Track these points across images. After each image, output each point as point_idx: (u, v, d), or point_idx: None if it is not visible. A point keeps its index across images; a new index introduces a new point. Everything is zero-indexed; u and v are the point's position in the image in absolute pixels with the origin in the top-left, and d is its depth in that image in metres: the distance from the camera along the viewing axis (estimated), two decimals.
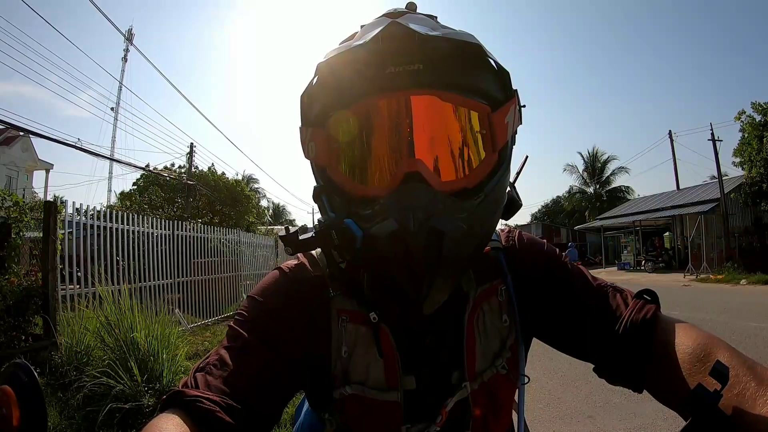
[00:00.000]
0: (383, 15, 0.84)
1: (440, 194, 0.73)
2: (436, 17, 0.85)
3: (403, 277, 0.74)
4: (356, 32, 0.84)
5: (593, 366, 0.88)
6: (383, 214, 0.73)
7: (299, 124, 0.88)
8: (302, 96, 0.86)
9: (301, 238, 0.80)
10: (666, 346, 0.76)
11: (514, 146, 0.86)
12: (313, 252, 0.95)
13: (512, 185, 0.90)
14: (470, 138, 0.79)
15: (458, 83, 0.77)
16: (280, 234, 0.83)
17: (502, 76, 0.81)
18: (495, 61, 0.80)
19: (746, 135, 22.14)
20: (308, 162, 0.88)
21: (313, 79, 0.82)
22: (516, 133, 0.85)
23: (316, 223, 0.84)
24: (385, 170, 0.77)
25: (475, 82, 0.78)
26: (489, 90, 0.80)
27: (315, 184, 0.87)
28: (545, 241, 1.02)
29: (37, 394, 0.66)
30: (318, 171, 0.86)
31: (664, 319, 0.80)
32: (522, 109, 0.86)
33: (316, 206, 0.87)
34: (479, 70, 0.79)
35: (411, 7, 0.88)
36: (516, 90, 0.83)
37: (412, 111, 0.75)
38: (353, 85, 0.77)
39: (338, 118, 0.79)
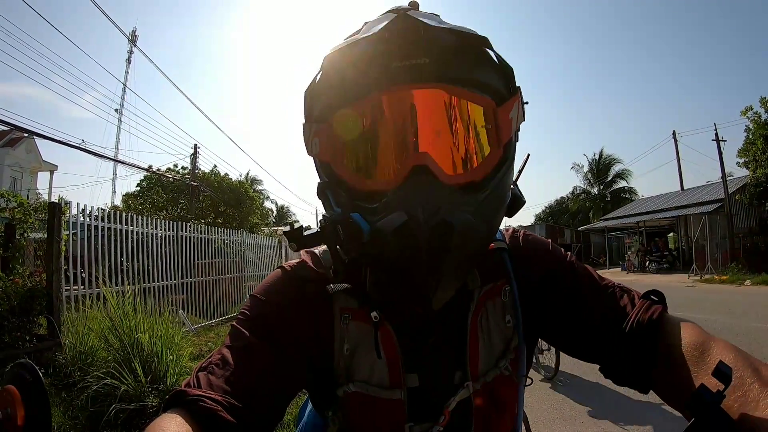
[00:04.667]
0: (387, 11, 0.84)
1: (448, 187, 0.74)
2: (438, 16, 0.85)
3: (412, 270, 0.74)
4: (360, 29, 0.84)
5: (599, 366, 0.87)
6: (391, 208, 0.72)
7: (302, 120, 0.88)
8: (306, 92, 0.85)
9: (305, 234, 0.80)
10: (672, 346, 0.75)
11: (517, 143, 0.86)
12: (316, 250, 0.95)
13: (514, 183, 0.90)
14: (476, 132, 0.79)
15: (464, 77, 0.77)
16: (284, 231, 0.83)
17: (506, 71, 0.81)
18: (499, 56, 0.80)
19: (751, 135, 22.03)
20: (311, 159, 0.88)
21: (317, 74, 0.82)
22: (519, 129, 0.85)
23: (320, 219, 0.84)
24: (391, 164, 0.77)
25: (480, 76, 0.78)
26: (494, 85, 0.80)
27: (318, 180, 0.87)
28: (550, 240, 1.02)
29: (42, 394, 0.66)
30: (322, 167, 0.86)
31: (670, 320, 0.80)
32: (525, 105, 0.86)
33: (320, 206, 0.87)
34: (485, 64, 0.79)
35: (413, 6, 0.87)
36: (519, 87, 0.83)
37: (418, 105, 0.75)
38: (359, 80, 0.77)
39: (344, 113, 0.79)
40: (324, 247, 0.94)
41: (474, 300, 0.91)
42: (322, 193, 0.84)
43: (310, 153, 0.87)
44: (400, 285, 0.80)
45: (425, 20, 0.74)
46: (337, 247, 0.82)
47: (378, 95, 0.76)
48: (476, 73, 0.78)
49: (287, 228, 0.83)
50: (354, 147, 0.80)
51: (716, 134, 24.84)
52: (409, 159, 0.74)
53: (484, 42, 0.76)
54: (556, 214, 51.45)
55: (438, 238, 0.71)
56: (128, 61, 40.04)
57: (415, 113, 0.76)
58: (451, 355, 0.89)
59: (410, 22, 0.73)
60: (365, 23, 0.84)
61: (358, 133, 0.79)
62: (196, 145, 20.89)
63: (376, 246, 0.74)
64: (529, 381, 0.97)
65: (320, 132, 0.82)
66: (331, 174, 0.83)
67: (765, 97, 21.40)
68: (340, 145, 0.81)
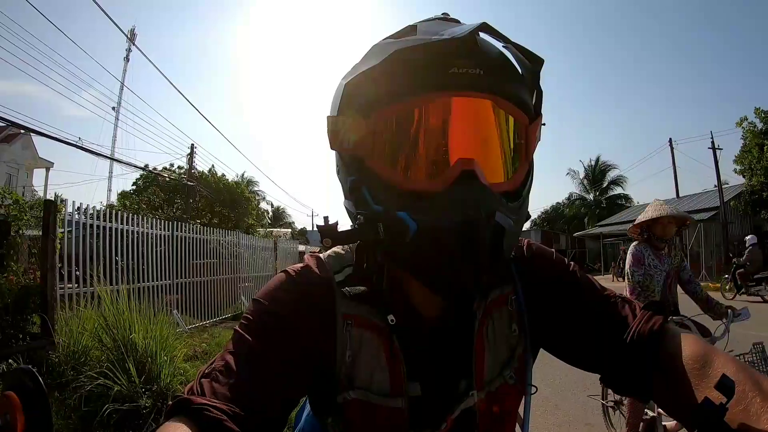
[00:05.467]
0: (436, 18, 0.89)
1: (496, 193, 0.76)
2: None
3: (461, 269, 0.74)
4: (410, 27, 0.86)
5: (600, 376, 0.88)
6: (445, 208, 0.74)
7: (328, 113, 0.87)
8: (346, 84, 0.83)
9: (340, 230, 0.79)
10: (673, 357, 0.76)
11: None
12: (322, 255, 0.95)
13: None
14: (513, 145, 0.82)
15: (510, 92, 0.79)
16: (317, 224, 0.81)
17: (539, 94, 0.85)
18: (538, 79, 0.82)
19: (747, 143, 22.23)
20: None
21: (362, 66, 0.82)
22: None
23: (357, 215, 0.82)
24: (440, 166, 0.78)
25: (521, 93, 0.81)
26: (529, 103, 0.83)
27: (341, 174, 0.88)
28: (554, 250, 1.02)
29: (43, 401, 0.65)
30: (353, 162, 0.84)
31: (671, 331, 0.81)
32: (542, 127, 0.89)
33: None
34: (525, 83, 0.83)
35: (445, 15, 0.91)
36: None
37: (469, 112, 0.78)
38: (416, 80, 0.77)
39: (395, 109, 0.79)
40: (329, 251, 0.94)
41: (481, 308, 0.91)
42: (356, 189, 0.83)
43: (336, 147, 0.86)
44: (444, 284, 0.79)
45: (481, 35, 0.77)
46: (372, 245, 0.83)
47: (433, 96, 0.77)
48: (519, 90, 0.81)
49: (288, 231, 0.82)
50: (401, 145, 0.80)
51: (712, 142, 25.04)
52: (458, 163, 0.75)
53: (539, 63, 0.80)
54: (551, 220, 51.60)
55: (491, 240, 0.74)
56: (126, 59, 39.99)
57: (467, 119, 0.78)
58: (456, 363, 0.89)
59: (477, 37, 0.75)
60: (412, 26, 0.86)
61: (409, 131, 0.79)
62: (192, 144, 20.88)
63: (425, 245, 0.75)
64: (534, 389, 0.97)
65: (359, 126, 0.81)
66: (366, 170, 0.82)
67: (759, 108, 21.60)
68: (382, 142, 0.80)
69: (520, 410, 1.00)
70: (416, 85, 0.77)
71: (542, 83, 0.83)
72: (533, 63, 0.80)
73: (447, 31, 0.75)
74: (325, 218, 0.80)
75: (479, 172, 0.75)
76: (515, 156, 0.83)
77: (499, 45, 0.81)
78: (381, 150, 0.80)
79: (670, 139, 32.15)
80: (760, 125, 21.69)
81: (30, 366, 0.68)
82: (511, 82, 0.80)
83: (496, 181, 0.78)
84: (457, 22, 0.87)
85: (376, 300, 0.87)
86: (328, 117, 0.86)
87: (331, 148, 0.87)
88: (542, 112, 0.86)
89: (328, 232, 0.79)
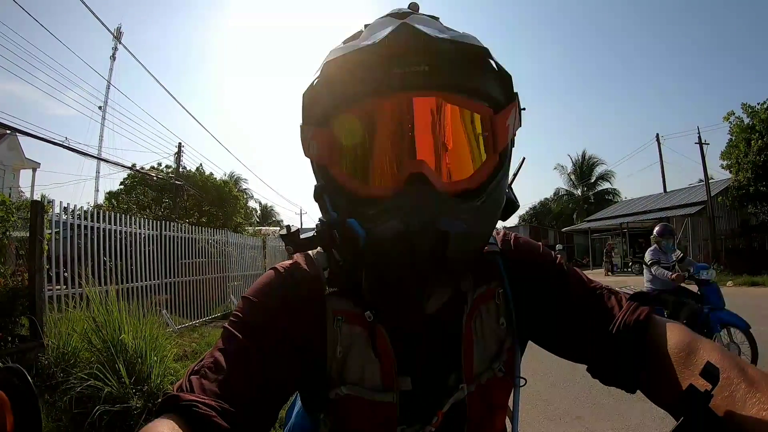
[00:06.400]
0: (388, 15, 0.85)
1: (444, 195, 0.74)
2: (438, 18, 0.86)
3: (407, 278, 0.75)
4: (359, 31, 0.85)
5: (587, 367, 0.88)
6: (388, 215, 0.73)
7: (300, 122, 0.88)
8: (304, 94, 0.85)
9: (302, 237, 0.80)
10: (659, 347, 0.76)
11: (513, 148, 0.87)
12: (310, 252, 0.95)
13: (509, 187, 0.91)
14: (473, 140, 0.80)
15: (463, 86, 0.77)
16: (280, 233, 0.83)
17: (504, 79, 0.82)
18: (498, 65, 0.80)
19: (734, 138, 22.37)
20: (307, 160, 0.88)
21: (316, 77, 0.82)
22: (515, 135, 0.86)
23: (317, 222, 0.84)
24: (389, 171, 0.78)
25: (479, 84, 0.79)
26: (492, 93, 0.80)
27: (315, 183, 0.87)
28: (540, 244, 1.03)
29: (32, 400, 0.65)
30: (319, 170, 0.86)
31: (657, 321, 0.81)
32: (522, 111, 0.87)
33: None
34: (483, 73, 0.80)
35: (414, 8, 0.89)
36: (517, 93, 0.84)
37: (416, 112, 0.76)
38: (359, 85, 0.77)
39: (343, 117, 0.79)
40: (319, 248, 0.94)
41: (468, 303, 0.91)
42: (319, 196, 0.84)
43: (307, 155, 0.87)
44: (394, 291, 0.81)
45: (426, 27, 0.74)
46: (333, 250, 0.83)
47: (376, 101, 0.76)
48: (474, 82, 0.78)
49: (277, 229, 0.83)
50: (352, 152, 0.81)
51: (699, 137, 25.13)
52: (406, 167, 0.75)
53: (484, 50, 0.77)
54: (539, 215, 51.71)
55: (434, 247, 0.72)
56: (113, 57, 39.63)
57: (413, 120, 0.76)
58: (446, 357, 0.89)
59: (411, 30, 0.73)
60: (366, 26, 0.85)
61: (357, 138, 0.79)
62: (180, 143, 20.72)
63: (372, 252, 0.75)
64: (523, 382, 0.97)
65: (318, 135, 0.82)
66: (328, 177, 0.83)
67: (746, 103, 21.76)
68: (338, 149, 0.81)
69: (511, 403, 1.01)
70: (359, 92, 0.77)
71: (514, 69, 0.81)
72: (476, 50, 0.77)
73: (386, 31, 0.74)
74: (287, 227, 0.83)
75: (430, 174, 0.74)
76: (479, 150, 0.80)
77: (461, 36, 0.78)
78: (338, 158, 0.81)
79: (657, 134, 32.39)
80: (747, 120, 21.83)
81: (18, 365, 0.68)
82: (465, 74, 0.77)
83: (455, 179, 0.77)
84: (414, 13, 0.85)
85: (357, 297, 0.88)
86: (300, 126, 0.87)
87: (305, 155, 0.88)
88: (519, 98, 0.84)
89: (289, 240, 0.81)
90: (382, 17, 0.85)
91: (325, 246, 0.82)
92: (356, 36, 0.84)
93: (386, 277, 0.82)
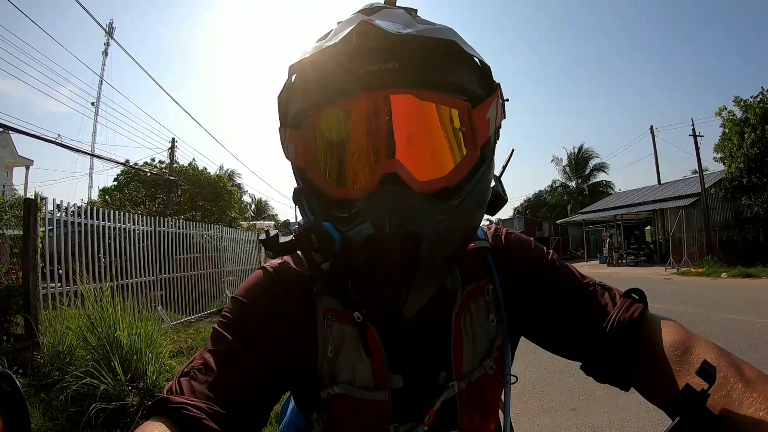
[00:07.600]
0: (358, 11, 0.82)
1: (418, 196, 0.72)
2: (416, 10, 0.84)
3: (379, 282, 0.74)
4: (332, 29, 0.81)
5: (581, 364, 0.88)
6: (360, 218, 0.72)
7: (278, 124, 0.87)
8: (279, 97, 0.84)
9: (281, 241, 0.79)
10: (653, 345, 0.76)
11: (497, 141, 0.85)
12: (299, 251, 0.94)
13: (498, 180, 0.89)
14: (450, 136, 0.77)
15: (436, 81, 0.74)
16: (260, 237, 0.82)
17: (482, 70, 0.80)
18: (474, 56, 0.77)
19: (727, 131, 22.42)
20: (289, 162, 0.87)
21: (288, 79, 0.82)
22: (500, 127, 0.85)
23: (299, 220, 0.84)
24: (362, 172, 0.76)
25: (453, 78, 0.76)
26: (468, 86, 0.78)
27: (295, 185, 0.86)
28: (532, 239, 1.02)
29: (20, 404, 0.64)
30: (298, 172, 0.85)
31: (651, 318, 0.81)
32: (505, 102, 0.85)
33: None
34: (457, 66, 0.77)
35: (390, 2, 0.86)
36: (498, 84, 0.82)
37: (388, 111, 0.73)
38: (328, 86, 0.75)
39: (314, 119, 0.78)
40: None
41: (457, 300, 0.91)
42: (297, 198, 0.85)
43: (287, 158, 0.86)
44: (372, 294, 0.80)
45: (394, 22, 0.73)
46: (313, 253, 0.82)
47: (346, 100, 0.74)
48: (448, 76, 0.76)
49: (265, 225, 0.82)
50: (325, 153, 0.79)
51: (693, 130, 25.20)
52: (379, 167, 0.73)
53: (455, 43, 0.73)
54: (534, 207, 51.70)
55: (405, 250, 0.71)
56: (105, 53, 39.46)
57: (385, 119, 0.74)
58: (436, 355, 0.89)
59: (371, 28, 0.70)
60: (338, 23, 0.82)
61: (328, 139, 0.78)
62: (173, 138, 20.64)
63: (347, 256, 0.75)
64: (514, 379, 0.97)
65: (294, 137, 0.82)
66: (306, 180, 0.82)
67: (738, 97, 21.82)
68: (312, 151, 0.80)
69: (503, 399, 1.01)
70: (328, 92, 0.75)
71: (493, 61, 0.78)
72: (447, 43, 0.73)
73: (347, 30, 0.72)
74: (266, 231, 0.81)
75: (404, 174, 0.72)
76: (457, 147, 0.77)
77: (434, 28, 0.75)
78: (313, 160, 0.80)
79: (651, 126, 32.48)
80: (739, 114, 21.88)
81: (7, 370, 0.67)
82: (437, 69, 0.75)
83: (431, 178, 0.75)
84: (387, 7, 0.82)
85: (344, 297, 0.87)
86: (278, 128, 0.87)
87: (285, 158, 0.87)
88: (501, 88, 0.82)
89: (268, 244, 0.80)
90: (354, 13, 0.82)
91: (303, 250, 0.81)
92: (327, 35, 0.81)
93: (361, 280, 0.81)
